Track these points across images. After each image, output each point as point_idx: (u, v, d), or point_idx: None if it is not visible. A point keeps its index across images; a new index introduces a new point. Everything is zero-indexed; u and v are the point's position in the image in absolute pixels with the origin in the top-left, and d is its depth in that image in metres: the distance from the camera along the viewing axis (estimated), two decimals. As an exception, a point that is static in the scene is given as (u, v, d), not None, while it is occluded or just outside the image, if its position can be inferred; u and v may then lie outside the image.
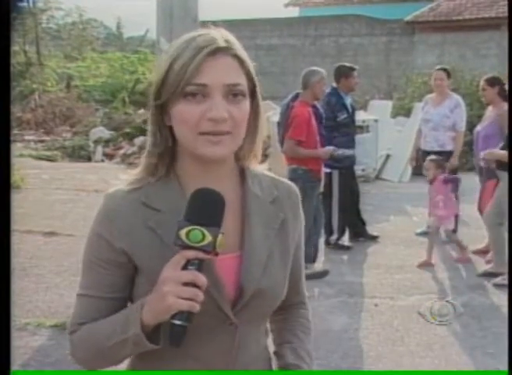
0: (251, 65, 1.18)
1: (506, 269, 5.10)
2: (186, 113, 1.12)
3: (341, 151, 5.38)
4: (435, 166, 5.67)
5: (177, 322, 1.04)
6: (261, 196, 1.24)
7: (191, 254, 1.05)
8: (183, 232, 1.05)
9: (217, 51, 1.12)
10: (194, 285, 1.04)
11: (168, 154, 1.20)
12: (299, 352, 1.31)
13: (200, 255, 1.05)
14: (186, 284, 1.04)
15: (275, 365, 1.33)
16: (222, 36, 1.14)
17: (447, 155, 6.19)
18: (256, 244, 1.20)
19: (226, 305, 1.16)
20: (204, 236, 1.05)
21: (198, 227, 1.05)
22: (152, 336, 1.10)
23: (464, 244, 5.75)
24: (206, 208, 1.07)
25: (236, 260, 1.19)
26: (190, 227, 1.05)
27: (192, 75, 1.10)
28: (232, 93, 1.12)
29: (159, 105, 1.16)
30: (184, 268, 1.05)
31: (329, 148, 5.22)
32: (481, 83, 5.89)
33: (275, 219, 1.25)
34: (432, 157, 5.81)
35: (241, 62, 1.15)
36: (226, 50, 1.13)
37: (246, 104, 1.15)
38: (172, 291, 1.03)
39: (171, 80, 1.12)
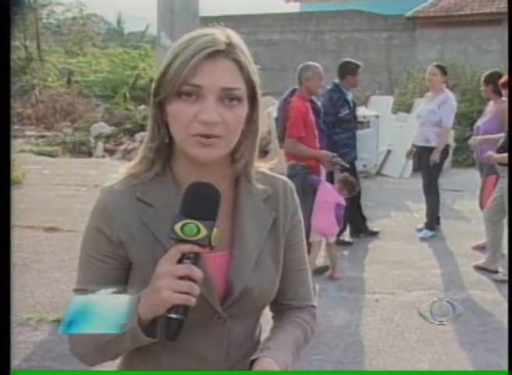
0: (253, 69, 1.17)
1: (496, 267, 5.11)
2: (179, 112, 1.12)
3: (340, 160, 5.17)
4: (342, 187, 5.17)
5: (173, 316, 1.04)
6: (254, 194, 1.25)
7: (186, 248, 1.05)
8: (177, 226, 1.04)
9: (216, 54, 1.11)
10: (190, 279, 1.04)
11: (164, 150, 1.21)
12: (270, 343, 1.21)
13: (196, 248, 1.05)
14: (181, 278, 1.04)
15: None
16: (225, 38, 1.14)
17: (431, 150, 6.17)
18: (247, 243, 1.21)
19: (215, 301, 1.17)
20: (199, 229, 1.04)
21: (193, 221, 1.04)
22: (148, 330, 1.10)
23: (336, 264, 5.16)
24: (201, 202, 1.07)
25: (227, 258, 1.20)
26: (184, 221, 1.04)
27: (188, 75, 1.10)
28: (227, 97, 1.12)
29: (158, 101, 1.17)
30: (180, 262, 1.05)
31: (331, 154, 5.15)
32: (482, 78, 5.93)
33: (268, 217, 1.25)
34: (342, 176, 5.28)
35: (241, 66, 1.14)
36: (226, 53, 1.13)
37: (241, 109, 1.15)
38: (168, 285, 1.03)
39: (168, 79, 1.12)
